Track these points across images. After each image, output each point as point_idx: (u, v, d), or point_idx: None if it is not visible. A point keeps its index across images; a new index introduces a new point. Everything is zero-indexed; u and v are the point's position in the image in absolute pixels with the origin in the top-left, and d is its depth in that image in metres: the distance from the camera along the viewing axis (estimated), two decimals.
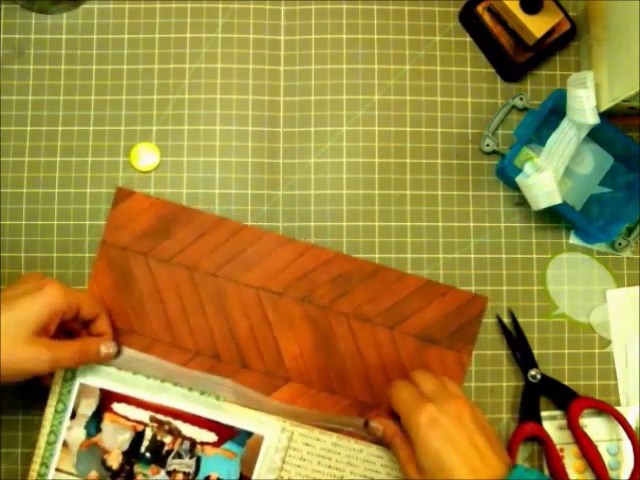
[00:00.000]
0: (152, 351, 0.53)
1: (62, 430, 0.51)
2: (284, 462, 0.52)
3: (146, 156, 0.55)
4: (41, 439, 0.51)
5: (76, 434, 0.51)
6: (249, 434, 0.52)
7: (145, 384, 0.52)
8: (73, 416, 0.51)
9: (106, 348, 0.51)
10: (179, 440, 0.52)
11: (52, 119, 0.55)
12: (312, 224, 0.56)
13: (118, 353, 0.52)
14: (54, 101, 0.55)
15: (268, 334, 0.54)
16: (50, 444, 0.51)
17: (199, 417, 0.52)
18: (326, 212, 0.56)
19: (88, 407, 0.52)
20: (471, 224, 0.56)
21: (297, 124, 0.56)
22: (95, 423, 0.52)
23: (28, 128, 0.55)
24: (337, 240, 0.55)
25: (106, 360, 0.51)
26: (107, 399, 0.52)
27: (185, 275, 0.54)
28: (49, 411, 0.51)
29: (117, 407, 0.52)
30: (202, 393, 0.52)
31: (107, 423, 0.52)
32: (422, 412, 0.46)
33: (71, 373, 0.52)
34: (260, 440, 0.51)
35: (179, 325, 0.54)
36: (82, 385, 0.51)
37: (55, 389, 0.51)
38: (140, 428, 0.52)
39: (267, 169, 0.56)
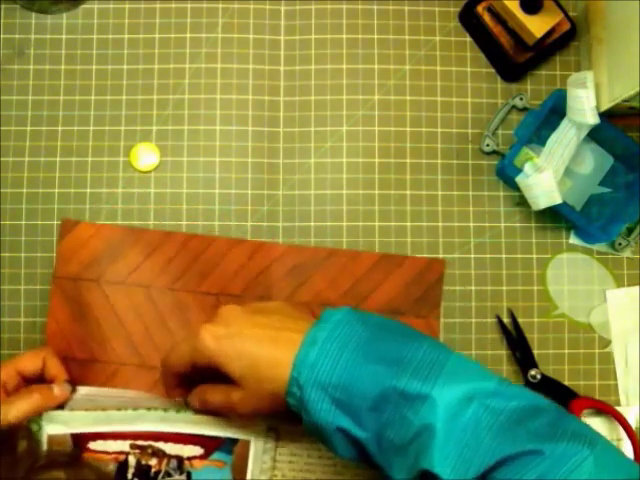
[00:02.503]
0: (119, 376, 0.52)
1: None
2: (275, 461, 0.51)
3: (146, 156, 0.55)
4: None
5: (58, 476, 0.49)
6: (234, 441, 0.51)
7: (118, 417, 0.50)
8: None
9: (59, 390, 0.49)
10: (165, 460, 0.50)
11: (52, 119, 0.55)
12: (312, 224, 0.56)
13: (73, 391, 0.50)
14: (54, 101, 0.55)
15: None
16: None
17: (181, 434, 0.50)
18: (326, 212, 0.56)
19: None
20: (471, 224, 0.56)
21: (297, 124, 0.56)
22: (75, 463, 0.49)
23: (28, 128, 0.55)
24: (337, 240, 0.55)
25: (64, 401, 0.49)
26: (81, 441, 0.49)
27: (141, 294, 0.54)
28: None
29: (94, 445, 0.50)
30: (178, 411, 0.50)
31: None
32: (200, 338, 0.44)
33: (37, 425, 0.49)
34: (247, 444, 0.50)
35: (144, 345, 0.53)
36: (50, 436, 0.49)
37: (23, 444, 0.48)
38: (122, 458, 0.50)
39: (267, 169, 0.56)
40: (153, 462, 0.50)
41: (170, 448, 0.50)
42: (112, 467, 0.50)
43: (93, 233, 0.54)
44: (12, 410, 0.46)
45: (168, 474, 0.50)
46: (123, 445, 0.50)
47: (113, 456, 0.50)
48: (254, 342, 0.43)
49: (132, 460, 0.50)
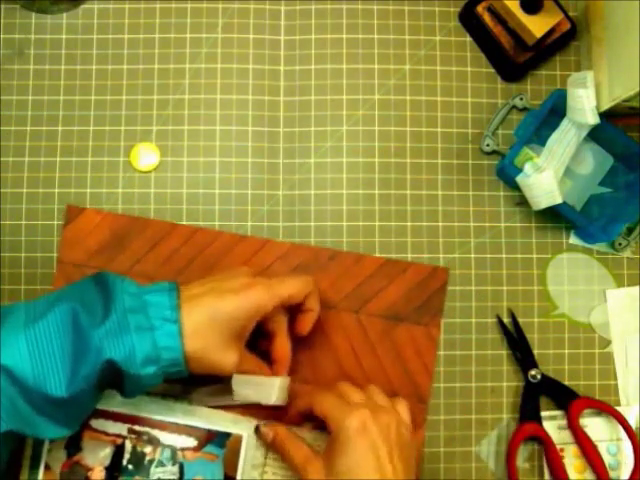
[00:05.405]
0: None
1: (43, 453, 0.51)
2: (266, 457, 0.52)
3: (146, 156, 0.55)
4: (24, 463, 0.51)
5: (57, 455, 0.51)
6: (227, 435, 0.51)
7: (119, 396, 0.51)
8: None
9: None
10: (159, 448, 0.51)
11: (52, 119, 0.55)
12: (312, 224, 0.56)
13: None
14: (54, 101, 0.56)
15: None
16: (32, 469, 0.51)
17: (176, 424, 0.51)
18: (326, 212, 0.56)
19: None
20: (471, 224, 0.56)
21: (297, 124, 0.56)
22: (75, 442, 0.51)
23: (28, 128, 0.55)
24: (337, 240, 0.55)
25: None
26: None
27: None
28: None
29: (95, 423, 0.51)
30: (176, 401, 0.52)
31: (87, 440, 0.51)
32: (356, 415, 0.46)
33: None
34: (239, 439, 0.51)
35: None
36: None
37: None
38: (119, 441, 0.51)
39: (267, 169, 0.56)
40: (148, 450, 0.52)
41: (165, 437, 0.52)
42: (109, 450, 0.51)
43: (99, 221, 0.54)
44: (246, 366, 0.49)
45: (161, 464, 0.51)
46: (121, 428, 0.52)
47: (111, 438, 0.52)
48: (373, 470, 0.45)
49: (128, 445, 0.51)
